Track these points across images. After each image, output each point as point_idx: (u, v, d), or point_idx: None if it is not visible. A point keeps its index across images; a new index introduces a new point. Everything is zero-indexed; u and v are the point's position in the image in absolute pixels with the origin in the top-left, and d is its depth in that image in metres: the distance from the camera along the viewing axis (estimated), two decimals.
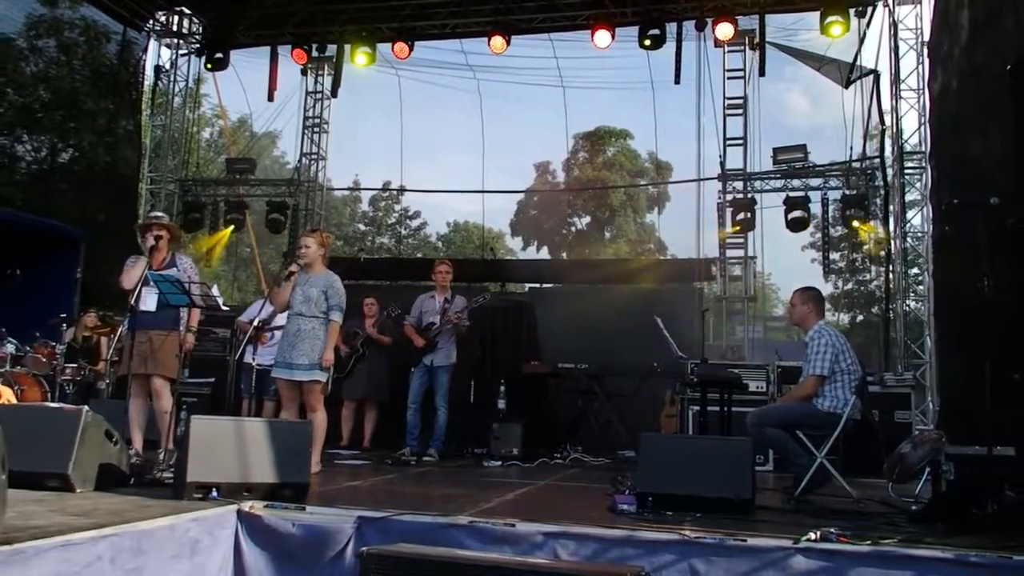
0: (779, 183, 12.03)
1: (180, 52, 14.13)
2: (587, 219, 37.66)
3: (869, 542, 3.66)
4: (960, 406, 8.26)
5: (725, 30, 11.44)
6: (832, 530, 3.79)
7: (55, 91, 13.76)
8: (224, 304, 6.82)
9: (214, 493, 4.24)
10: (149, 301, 6.04)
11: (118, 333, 6.89)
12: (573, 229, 37.99)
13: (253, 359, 7.29)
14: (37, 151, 14.03)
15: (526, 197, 37.01)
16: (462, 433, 9.06)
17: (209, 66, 13.25)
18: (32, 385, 8.46)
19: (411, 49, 12.57)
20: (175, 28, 13.91)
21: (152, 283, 5.86)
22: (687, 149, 13.73)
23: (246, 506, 4.14)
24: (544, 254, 36.93)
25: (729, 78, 12.81)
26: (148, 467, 5.25)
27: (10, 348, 8.58)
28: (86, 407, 4.53)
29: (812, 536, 3.69)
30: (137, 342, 5.97)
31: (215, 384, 9.87)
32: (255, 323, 6.60)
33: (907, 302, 11.31)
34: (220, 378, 9.74)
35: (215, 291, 6.21)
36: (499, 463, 8.18)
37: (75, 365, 9.20)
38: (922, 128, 10.92)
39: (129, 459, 5.00)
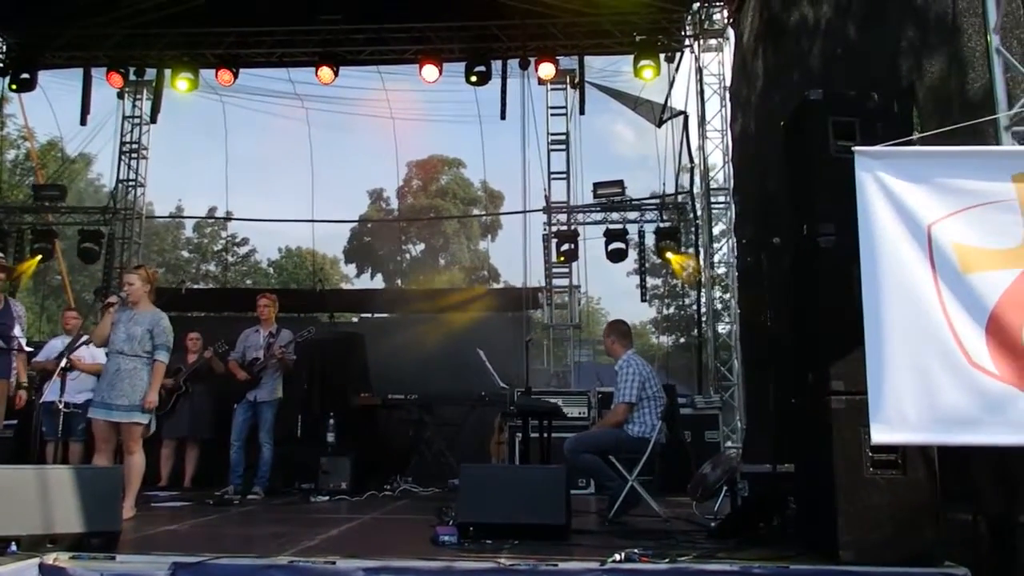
0: (600, 215, 12.63)
1: None
2: (421, 246, 37.86)
3: (668, 560, 3.97)
4: (753, 427, 9.01)
5: (547, 70, 11.95)
6: (636, 551, 4.09)
7: None
8: (27, 345, 6.50)
9: (13, 547, 4.03)
10: None
11: None
12: (408, 256, 38.05)
13: (60, 400, 6.92)
14: None
15: (360, 224, 36.76)
16: (289, 469, 8.91)
17: (14, 87, 12.45)
18: None
19: (236, 76, 12.32)
20: None
21: None
22: (516, 177, 14.18)
23: (49, 558, 3.96)
24: (378, 281, 36.79)
25: (552, 115, 13.36)
26: None
27: None
28: None
29: (617, 557, 3.96)
30: None
31: (17, 427, 9.25)
32: (63, 364, 6.26)
33: (718, 326, 12.10)
34: (22, 420, 9.15)
35: (17, 331, 5.93)
36: (327, 498, 8.09)
37: None
38: (726, 166, 11.77)
39: None
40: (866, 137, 4.06)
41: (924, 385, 3.37)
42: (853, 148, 3.65)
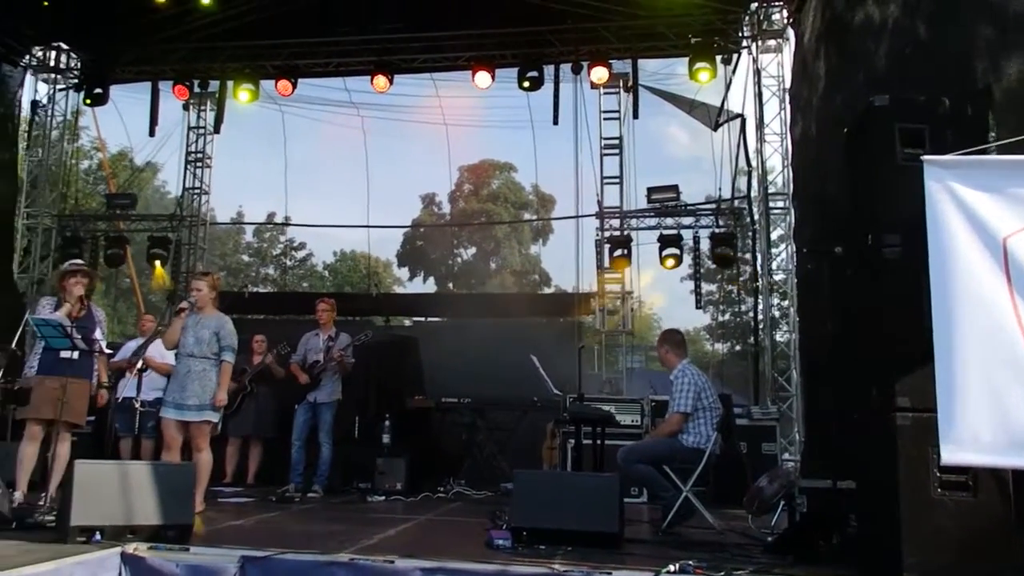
0: (653, 221, 12.51)
1: (58, 87, 13.68)
2: (472, 250, 37.97)
3: (723, 573, 3.92)
4: (812, 440, 8.82)
5: (600, 73, 11.89)
6: (690, 562, 4.05)
7: None
8: (106, 347, 6.75)
9: (97, 536, 4.28)
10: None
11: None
12: (459, 260, 38.23)
13: (137, 398, 7.20)
14: None
15: (413, 228, 37.07)
16: (347, 468, 9.07)
17: (88, 101, 12.93)
18: None
19: (294, 86, 12.56)
20: (52, 63, 13.45)
21: (36, 328, 5.79)
22: (568, 182, 14.14)
23: (130, 548, 4.18)
24: (430, 284, 37.03)
25: (605, 119, 13.27)
26: (30, 510, 5.20)
27: None
28: None
29: (671, 568, 3.93)
30: (49, 387, 5.97)
31: (95, 423, 9.57)
32: (139, 365, 6.55)
33: (775, 334, 11.89)
34: (99, 417, 9.47)
35: (98, 335, 6.18)
36: (383, 498, 8.23)
37: None
38: (785, 170, 11.56)
39: (11, 502, 4.95)
40: (935, 144, 3.94)
41: (999, 404, 3.25)
42: (922, 157, 3.54)
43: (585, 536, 4.81)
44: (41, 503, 5.45)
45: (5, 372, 10.16)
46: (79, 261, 7.46)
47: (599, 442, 6.75)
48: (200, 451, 6.37)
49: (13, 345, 6.46)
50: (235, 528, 5.64)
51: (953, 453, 3.32)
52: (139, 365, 6.69)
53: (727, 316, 30.18)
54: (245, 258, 37.16)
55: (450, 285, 36.60)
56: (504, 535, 4.90)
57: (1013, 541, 3.67)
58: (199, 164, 14.39)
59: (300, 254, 36.45)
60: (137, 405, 7.29)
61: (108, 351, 7.12)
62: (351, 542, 4.74)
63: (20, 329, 6.27)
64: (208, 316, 6.51)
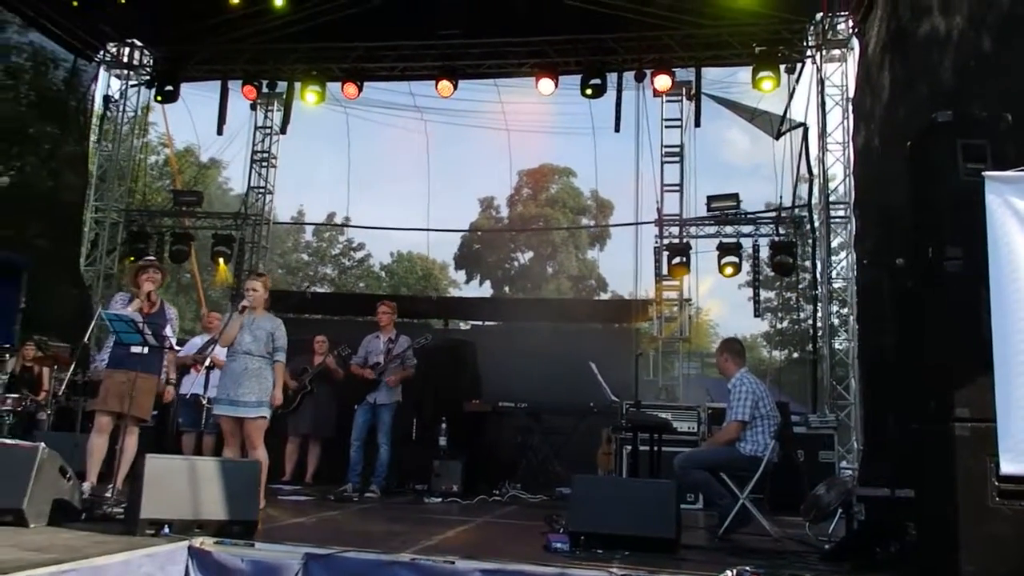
0: (713, 229, 12.53)
1: (130, 83, 14.11)
2: (529, 254, 38.11)
3: None
4: (870, 449, 8.77)
5: (663, 81, 11.95)
6: (747, 568, 4.11)
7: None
8: (176, 344, 6.98)
9: (166, 529, 4.45)
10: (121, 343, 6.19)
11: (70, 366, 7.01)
12: (516, 264, 38.38)
13: (204, 395, 7.42)
14: None
15: (470, 232, 37.36)
16: (404, 469, 9.24)
17: (159, 98, 13.28)
18: None
19: (360, 90, 12.82)
20: (126, 60, 13.89)
21: (108, 322, 6.01)
22: (628, 188, 14.19)
23: (197, 542, 4.33)
24: (487, 287, 37.23)
25: (667, 127, 13.31)
26: (99, 502, 5.38)
27: None
28: (42, 444, 4.67)
29: (729, 574, 4.00)
30: (118, 381, 6.15)
31: (157, 418, 9.89)
32: (207, 363, 6.77)
33: (834, 342, 11.81)
34: (163, 411, 9.77)
35: (169, 332, 6.38)
36: (439, 499, 8.39)
37: (16, 396, 9.19)
38: (847, 179, 11.50)
39: (81, 494, 5.14)
40: (998, 160, 3.97)
41: None
42: (983, 173, 3.58)
43: (642, 541, 4.89)
44: (108, 495, 5.63)
45: (76, 365, 10.64)
46: (151, 257, 7.67)
47: (656, 448, 6.83)
48: (255, 448, 6.45)
49: (86, 339, 6.67)
50: (297, 525, 5.83)
51: (1012, 463, 3.37)
52: (207, 363, 6.89)
53: (785, 323, 29.88)
54: (305, 257, 37.82)
55: (506, 289, 36.77)
56: (562, 539, 5.01)
57: None
58: (264, 164, 14.73)
59: (359, 255, 37.00)
60: (204, 402, 7.52)
61: (177, 348, 7.34)
62: (411, 542, 4.89)
63: (92, 323, 6.49)
64: (262, 316, 6.70)
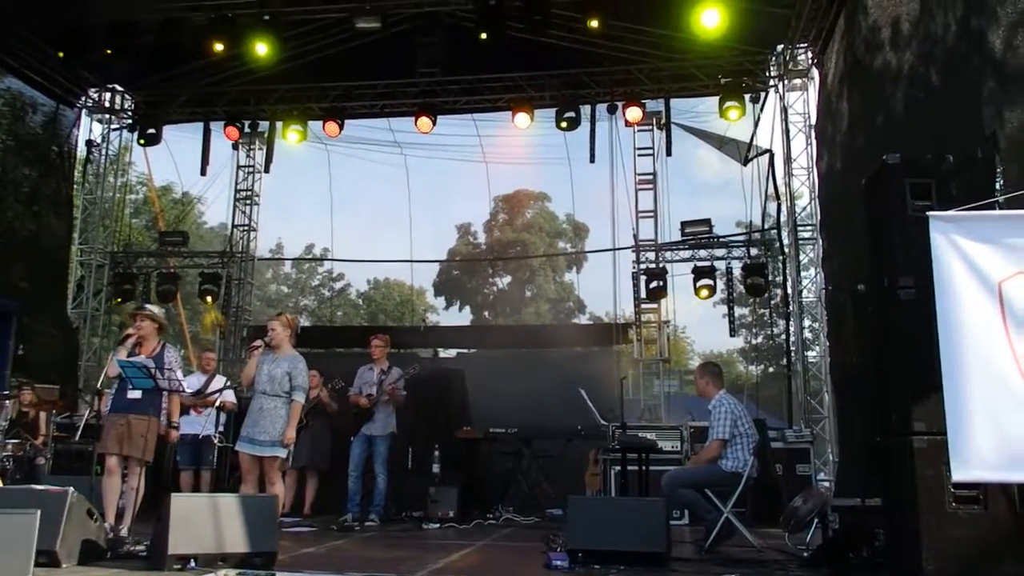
0: (687, 253, 12.99)
1: (112, 127, 14.30)
2: (508, 279, 38.52)
3: None
4: (844, 460, 9.21)
5: (634, 113, 12.46)
6: None
7: None
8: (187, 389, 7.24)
9: (192, 563, 4.72)
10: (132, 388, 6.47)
11: (89, 412, 7.21)
12: (495, 288, 38.78)
13: (215, 433, 7.64)
14: None
15: (449, 257, 37.72)
16: (400, 497, 9.47)
17: (142, 142, 13.52)
18: None
19: (341, 128, 13.18)
20: (107, 104, 14.05)
21: (122, 369, 6.30)
22: (602, 211, 14.59)
23: (221, 574, 4.62)
24: (466, 313, 37.56)
25: (639, 155, 13.78)
26: (118, 541, 5.64)
27: None
28: (71, 488, 4.94)
29: None
30: (116, 424, 6.41)
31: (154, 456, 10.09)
32: (217, 403, 7.03)
33: (808, 355, 12.25)
34: (160, 450, 9.98)
35: (179, 375, 6.66)
36: (437, 525, 8.67)
37: (16, 441, 9.38)
38: (812, 202, 12.01)
39: (106, 534, 5.40)
40: (942, 197, 4.44)
41: (999, 428, 3.72)
42: (928, 213, 4.03)
43: (636, 556, 5.26)
44: (122, 532, 5.92)
45: (74, 408, 10.87)
46: (148, 306, 7.85)
47: (644, 468, 7.20)
48: (272, 484, 6.72)
49: (99, 385, 6.95)
50: (310, 555, 6.09)
51: (963, 471, 3.78)
52: (217, 403, 7.16)
53: (760, 339, 30.38)
54: (285, 289, 37.99)
55: (485, 314, 37.11)
56: (561, 556, 5.37)
57: (1022, 548, 4.11)
58: (248, 201, 14.97)
59: (339, 284, 37.25)
60: (216, 440, 7.75)
61: (185, 391, 7.57)
62: (420, 566, 5.20)
63: (104, 371, 6.77)
64: (283, 355, 6.90)
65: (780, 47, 11.92)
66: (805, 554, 5.85)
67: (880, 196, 4.81)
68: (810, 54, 11.55)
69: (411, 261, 17.33)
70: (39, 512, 3.79)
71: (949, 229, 3.93)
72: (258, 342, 6.89)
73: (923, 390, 4.26)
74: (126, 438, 6.38)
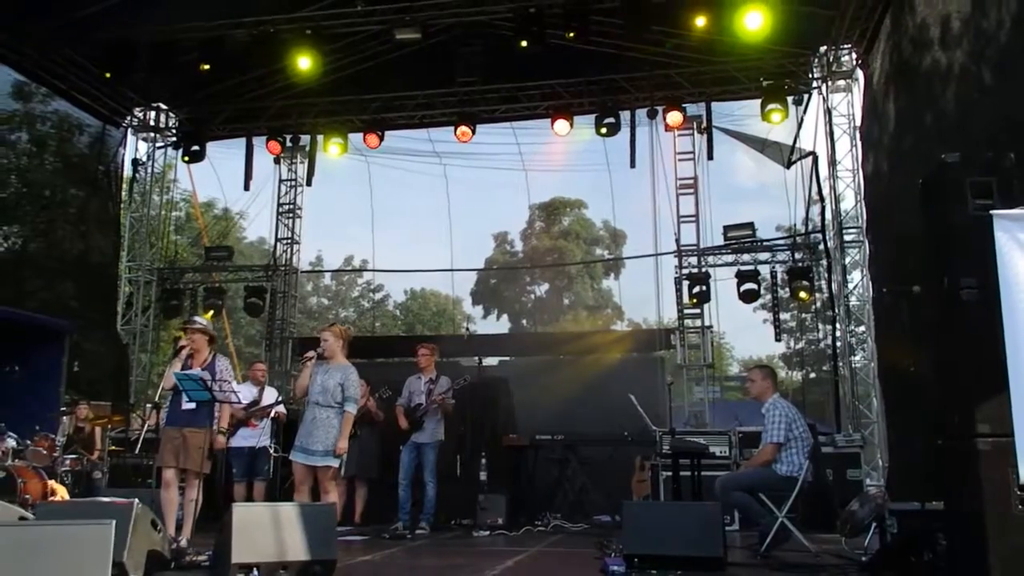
0: (730, 257, 12.91)
1: (157, 145, 14.56)
2: (545, 287, 38.54)
3: None
4: (899, 464, 9.06)
5: (675, 117, 12.38)
6: None
7: (28, 183, 14.06)
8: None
9: (255, 572, 4.77)
10: (188, 400, 6.57)
11: (145, 426, 7.36)
12: (532, 296, 38.81)
13: (272, 444, 7.68)
14: (7, 239, 14.30)
15: (486, 266, 37.84)
16: (449, 505, 9.49)
17: (187, 159, 13.72)
18: (32, 477, 8.51)
19: (381, 139, 13.29)
20: (152, 123, 14.32)
21: (178, 382, 6.41)
22: (640, 217, 14.56)
23: None
24: (504, 321, 37.65)
25: (680, 160, 13.75)
26: (180, 552, 5.75)
27: (11, 442, 8.78)
28: (136, 500, 5.03)
29: None
30: (172, 437, 6.53)
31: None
32: (271, 414, 7.11)
33: (853, 359, 12.11)
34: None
35: (235, 385, 6.75)
36: (487, 532, 8.70)
37: (74, 456, 9.56)
38: (858, 204, 11.87)
39: (171, 544, 5.50)
40: (1003, 195, 4.36)
41: None
42: (991, 212, 3.97)
43: (692, 560, 5.27)
44: (183, 543, 6.01)
45: (128, 422, 11.06)
46: (196, 318, 7.95)
47: (696, 473, 7.16)
48: (327, 493, 6.79)
49: (157, 398, 7.05)
50: (368, 563, 6.18)
51: None
52: (272, 414, 7.24)
53: (802, 343, 30.06)
54: (325, 301, 38.35)
55: (523, 322, 37.15)
56: (618, 562, 5.37)
57: None
58: (290, 215, 15.19)
59: (378, 295, 37.50)
60: (272, 451, 7.81)
61: (240, 402, 7.66)
62: (478, 573, 5.25)
63: (160, 385, 6.88)
64: (336, 366, 6.96)
65: (823, 48, 11.81)
66: (864, 559, 5.77)
67: (939, 196, 4.73)
68: (854, 55, 11.44)
69: (451, 270, 17.42)
70: (114, 522, 3.83)
71: (1014, 227, 3.88)
72: (311, 353, 6.94)
73: (987, 391, 4.18)
74: (183, 451, 6.49)
